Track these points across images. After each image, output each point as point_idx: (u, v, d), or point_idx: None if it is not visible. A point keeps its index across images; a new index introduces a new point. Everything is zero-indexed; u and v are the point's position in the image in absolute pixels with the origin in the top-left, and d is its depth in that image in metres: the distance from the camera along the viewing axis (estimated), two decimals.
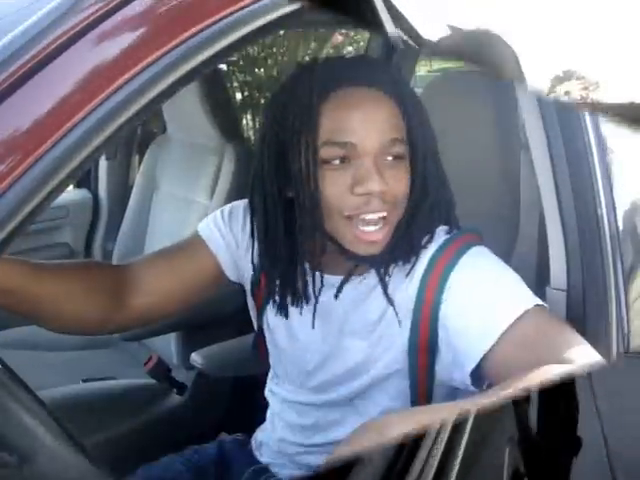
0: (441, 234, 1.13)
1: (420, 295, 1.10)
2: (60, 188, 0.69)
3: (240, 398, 1.46)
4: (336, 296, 1.16)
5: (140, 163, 2.68)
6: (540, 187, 1.22)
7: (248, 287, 1.29)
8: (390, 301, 1.12)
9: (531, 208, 1.33)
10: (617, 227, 1.16)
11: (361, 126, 1.05)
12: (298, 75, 1.10)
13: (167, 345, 2.16)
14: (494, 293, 1.05)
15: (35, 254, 2.63)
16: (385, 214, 1.06)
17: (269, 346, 1.30)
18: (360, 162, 1.04)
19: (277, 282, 1.18)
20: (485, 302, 1.04)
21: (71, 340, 2.41)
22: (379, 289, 1.12)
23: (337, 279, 1.16)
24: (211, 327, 1.99)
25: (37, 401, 0.82)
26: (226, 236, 1.26)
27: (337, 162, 1.05)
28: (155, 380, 2.00)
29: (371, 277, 1.14)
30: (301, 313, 1.20)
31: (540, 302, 1.04)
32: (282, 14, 0.82)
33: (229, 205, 1.30)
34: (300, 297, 1.17)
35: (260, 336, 1.32)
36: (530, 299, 1.04)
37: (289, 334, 1.24)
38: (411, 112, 1.08)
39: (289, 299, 1.18)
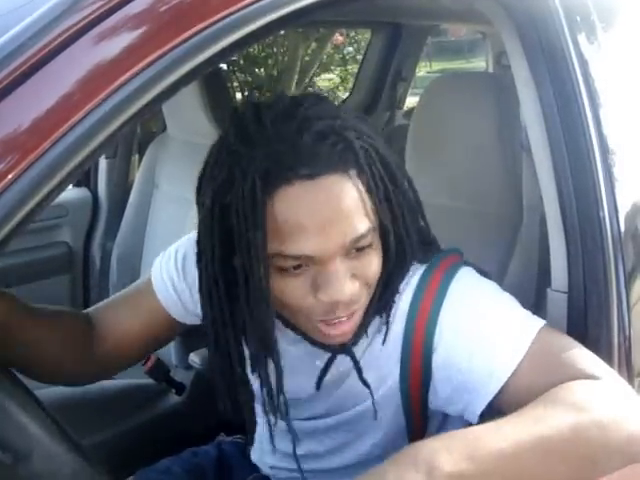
0: (417, 268, 1.03)
1: (406, 348, 1.00)
2: (60, 187, 0.68)
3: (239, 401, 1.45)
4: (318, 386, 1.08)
5: (140, 162, 2.68)
6: (542, 188, 1.21)
7: None
8: (366, 385, 1.03)
9: (533, 209, 1.32)
10: (619, 229, 1.16)
11: (316, 235, 0.86)
12: (236, 156, 0.90)
13: (166, 345, 2.16)
14: (492, 330, 0.97)
15: (34, 253, 2.63)
16: (355, 307, 0.94)
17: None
18: (321, 268, 0.89)
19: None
20: (485, 344, 0.95)
21: None
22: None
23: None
24: None
25: (32, 399, 0.81)
26: (178, 287, 1.15)
27: (293, 269, 0.89)
28: (154, 380, 1.99)
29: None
30: None
31: (541, 321, 1.00)
32: (283, 14, 0.82)
33: (183, 248, 1.17)
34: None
35: None
36: (530, 325, 0.98)
37: None
38: (382, 181, 0.92)
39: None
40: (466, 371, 0.96)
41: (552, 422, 0.83)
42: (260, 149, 0.86)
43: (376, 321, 1.02)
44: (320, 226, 0.86)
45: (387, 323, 1.00)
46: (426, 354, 0.99)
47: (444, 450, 0.78)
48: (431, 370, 0.99)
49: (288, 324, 1.04)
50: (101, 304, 1.23)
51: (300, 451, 1.17)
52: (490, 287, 1.04)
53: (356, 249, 0.90)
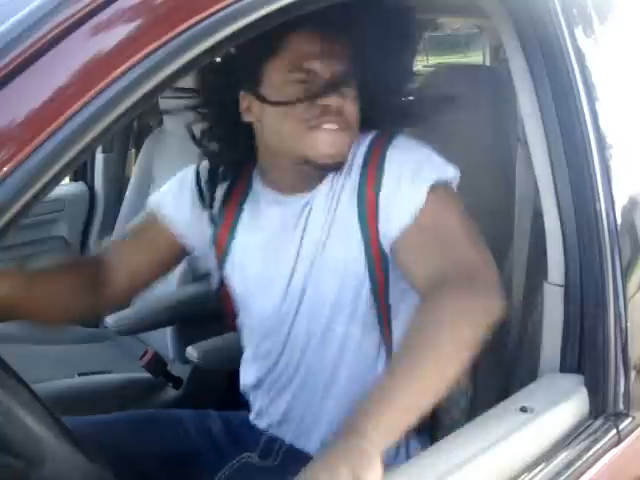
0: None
1: (362, 178, 1.21)
2: (56, 180, 0.68)
3: (236, 392, 1.46)
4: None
5: (137, 156, 2.68)
6: (538, 182, 1.21)
7: (208, 239, 1.37)
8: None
9: (525, 203, 1.33)
10: (615, 222, 1.16)
11: (319, 54, 1.19)
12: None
13: (163, 339, 2.16)
14: (417, 169, 1.19)
15: (31, 247, 2.63)
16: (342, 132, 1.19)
17: (235, 291, 1.37)
18: (320, 82, 1.18)
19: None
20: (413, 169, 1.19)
21: (67, 334, 2.41)
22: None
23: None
24: (207, 321, 1.98)
25: (44, 407, 0.82)
26: (178, 206, 1.37)
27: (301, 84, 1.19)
28: (151, 374, 1.99)
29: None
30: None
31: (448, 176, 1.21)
32: (278, 6, 0.82)
33: (177, 175, 1.44)
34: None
35: (223, 288, 1.40)
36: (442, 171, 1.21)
37: (252, 262, 1.32)
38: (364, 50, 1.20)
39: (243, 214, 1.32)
40: (395, 194, 1.18)
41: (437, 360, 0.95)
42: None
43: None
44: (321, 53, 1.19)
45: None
46: (376, 192, 1.19)
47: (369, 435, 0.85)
48: (379, 202, 1.19)
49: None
50: (107, 246, 1.47)
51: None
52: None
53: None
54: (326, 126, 1.17)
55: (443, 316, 0.99)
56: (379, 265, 1.22)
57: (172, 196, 1.40)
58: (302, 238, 1.26)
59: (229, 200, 1.34)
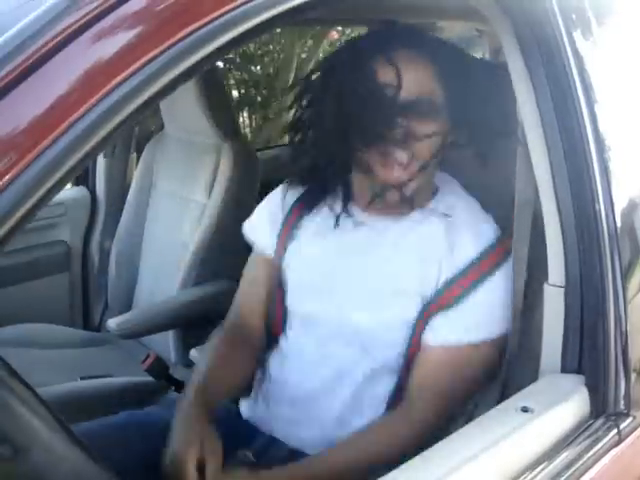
0: (486, 224, 1.36)
1: (458, 276, 1.31)
2: (58, 186, 0.69)
3: (239, 395, 1.46)
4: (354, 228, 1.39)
5: (138, 161, 2.68)
6: (538, 183, 1.22)
7: (278, 230, 1.46)
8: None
9: (525, 204, 1.33)
10: (615, 223, 1.17)
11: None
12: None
13: (165, 342, 2.16)
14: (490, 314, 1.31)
15: (33, 251, 2.63)
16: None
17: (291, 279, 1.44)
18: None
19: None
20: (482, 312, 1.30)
21: (69, 338, 2.41)
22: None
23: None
24: (209, 324, 1.99)
25: (32, 393, 0.82)
26: (268, 231, 1.47)
27: None
28: (153, 377, 1.99)
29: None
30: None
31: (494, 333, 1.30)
32: (279, 12, 0.82)
33: (263, 204, 1.52)
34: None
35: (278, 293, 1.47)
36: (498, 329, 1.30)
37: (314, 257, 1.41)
38: (446, 69, 1.27)
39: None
40: (462, 314, 1.31)
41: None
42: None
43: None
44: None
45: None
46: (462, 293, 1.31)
47: None
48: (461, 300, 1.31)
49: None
50: (234, 312, 1.52)
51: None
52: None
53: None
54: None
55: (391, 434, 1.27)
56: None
57: (262, 226, 1.49)
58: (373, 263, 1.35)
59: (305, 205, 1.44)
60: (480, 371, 1.30)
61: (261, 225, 1.49)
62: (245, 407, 1.49)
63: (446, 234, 1.33)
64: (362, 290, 1.34)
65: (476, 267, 1.30)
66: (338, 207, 1.38)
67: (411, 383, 1.31)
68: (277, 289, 1.45)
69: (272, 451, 1.38)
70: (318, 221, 1.41)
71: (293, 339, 1.43)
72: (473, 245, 1.32)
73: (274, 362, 1.45)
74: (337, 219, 1.36)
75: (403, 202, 1.30)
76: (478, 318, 1.29)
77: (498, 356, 1.30)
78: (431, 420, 1.27)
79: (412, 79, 1.25)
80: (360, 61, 1.26)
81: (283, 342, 1.44)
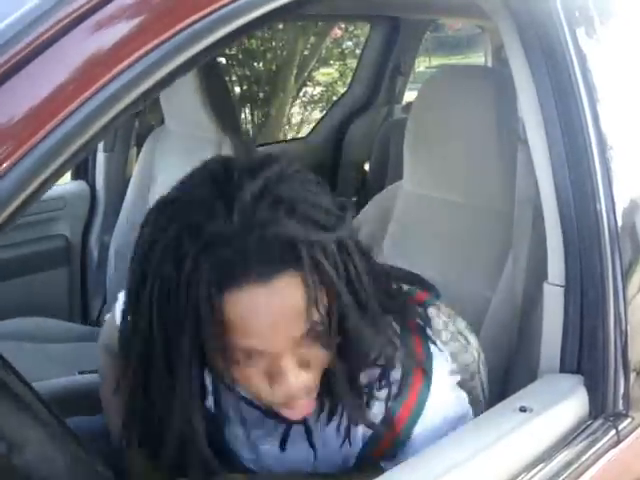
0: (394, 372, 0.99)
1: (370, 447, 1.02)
2: (55, 177, 0.68)
3: None
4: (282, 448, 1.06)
5: (138, 155, 2.68)
6: (539, 182, 1.21)
7: None
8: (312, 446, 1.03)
9: (526, 203, 1.33)
10: (616, 223, 1.16)
11: (266, 331, 0.84)
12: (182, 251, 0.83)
13: None
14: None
15: (32, 245, 2.63)
16: (313, 394, 0.94)
17: None
18: (271, 361, 0.87)
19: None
20: None
21: (67, 332, 2.41)
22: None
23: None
24: None
25: (28, 389, 0.81)
26: None
27: (246, 360, 0.87)
28: None
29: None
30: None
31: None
32: (279, 4, 0.82)
33: None
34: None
35: None
36: None
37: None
38: (322, 277, 0.85)
39: None
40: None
41: None
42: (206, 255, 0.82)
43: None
44: (271, 324, 0.83)
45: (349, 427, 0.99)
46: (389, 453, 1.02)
47: None
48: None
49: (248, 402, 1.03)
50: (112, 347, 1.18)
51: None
52: (457, 409, 1.06)
53: (308, 343, 0.87)
54: (294, 405, 0.93)
55: None
56: None
57: None
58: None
59: None
60: None
61: None
62: None
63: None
64: None
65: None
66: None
67: None
68: None
69: None
70: None
71: None
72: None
73: None
74: None
75: None
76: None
77: None
78: None
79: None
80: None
81: None
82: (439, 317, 1.11)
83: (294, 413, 0.93)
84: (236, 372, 0.88)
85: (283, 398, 0.89)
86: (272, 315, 0.83)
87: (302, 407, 0.93)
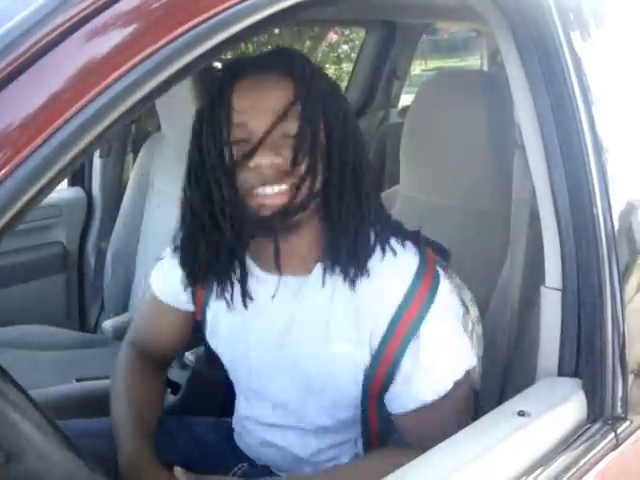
0: (403, 253, 1.17)
1: (395, 322, 1.14)
2: (51, 185, 0.68)
3: (235, 397, 1.45)
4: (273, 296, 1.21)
5: (134, 161, 2.67)
6: (535, 186, 1.21)
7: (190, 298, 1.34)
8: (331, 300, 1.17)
9: (522, 206, 1.33)
10: (612, 226, 1.16)
11: (252, 102, 1.11)
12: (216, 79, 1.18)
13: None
14: (444, 354, 1.16)
15: (29, 253, 2.62)
16: (286, 187, 1.10)
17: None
18: (253, 137, 1.09)
19: (214, 280, 1.23)
20: (436, 363, 1.15)
21: (64, 339, 2.41)
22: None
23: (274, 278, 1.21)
24: None
25: (25, 397, 0.81)
26: (179, 285, 1.30)
27: (240, 144, 1.10)
28: None
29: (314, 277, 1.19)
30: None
31: (467, 363, 1.18)
32: (277, 10, 0.82)
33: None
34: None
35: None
36: (462, 365, 1.17)
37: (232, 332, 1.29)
38: (306, 88, 1.11)
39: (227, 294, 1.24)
40: (411, 377, 1.15)
41: None
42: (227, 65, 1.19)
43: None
44: (254, 101, 1.11)
45: (355, 275, 1.14)
46: (404, 342, 1.14)
47: None
48: (403, 355, 1.14)
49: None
50: (137, 341, 1.45)
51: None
52: (457, 310, 1.20)
53: (283, 134, 1.10)
54: (259, 190, 1.10)
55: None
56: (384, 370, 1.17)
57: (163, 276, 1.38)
58: (291, 326, 1.21)
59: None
60: (462, 405, 1.18)
61: (173, 286, 1.33)
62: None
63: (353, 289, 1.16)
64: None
65: (405, 315, 1.14)
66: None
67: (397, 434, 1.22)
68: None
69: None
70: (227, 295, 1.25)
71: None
72: (394, 288, 1.15)
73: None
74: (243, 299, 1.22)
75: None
76: (427, 376, 1.15)
77: (469, 387, 1.20)
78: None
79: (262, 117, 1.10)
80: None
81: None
82: (445, 278, 1.19)
83: (269, 199, 1.09)
84: (238, 172, 1.10)
85: (255, 175, 1.09)
86: (257, 96, 1.11)
87: (274, 199, 1.09)
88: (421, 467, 0.98)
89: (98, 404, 1.95)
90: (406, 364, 1.14)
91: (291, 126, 1.10)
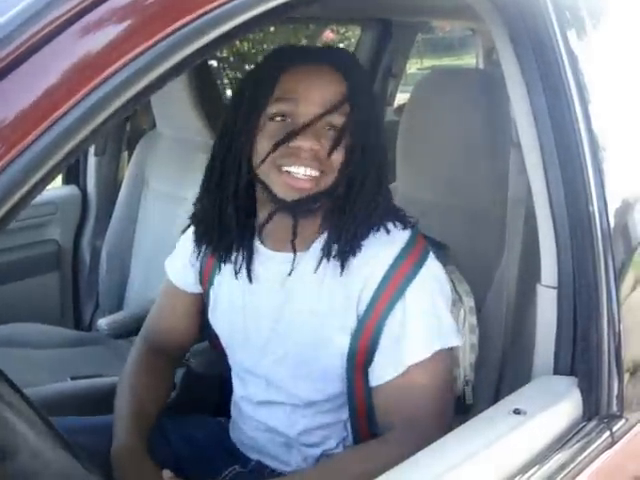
0: (397, 231, 1.23)
1: (381, 287, 1.19)
2: (45, 181, 0.68)
3: (229, 396, 1.45)
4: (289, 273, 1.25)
5: (129, 159, 2.67)
6: (531, 184, 1.21)
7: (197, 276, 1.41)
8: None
9: (518, 205, 1.33)
10: (608, 224, 1.16)
11: (305, 88, 1.17)
12: (268, 56, 1.27)
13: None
14: (427, 323, 1.19)
15: (23, 251, 2.62)
16: (316, 174, 1.15)
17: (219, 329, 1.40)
18: (299, 119, 1.16)
19: (221, 253, 1.29)
20: (416, 330, 1.19)
21: (59, 338, 2.40)
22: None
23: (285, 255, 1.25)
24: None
25: (19, 396, 0.81)
26: (188, 265, 1.41)
27: (279, 118, 1.17)
28: None
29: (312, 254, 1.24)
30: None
31: (448, 341, 1.21)
32: (272, 6, 0.82)
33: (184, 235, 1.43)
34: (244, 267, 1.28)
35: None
36: (442, 340, 1.20)
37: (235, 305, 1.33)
38: (355, 86, 1.18)
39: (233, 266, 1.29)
40: (396, 339, 1.19)
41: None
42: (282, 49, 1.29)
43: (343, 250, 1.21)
44: (309, 84, 1.17)
45: (346, 252, 1.20)
46: (386, 310, 1.19)
47: None
48: (384, 324, 1.19)
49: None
50: (150, 334, 1.50)
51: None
52: (444, 287, 1.25)
53: (328, 125, 1.16)
54: (291, 169, 1.15)
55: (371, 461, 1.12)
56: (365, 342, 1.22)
57: (184, 268, 1.43)
58: (287, 300, 1.26)
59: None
60: (441, 383, 1.21)
61: (183, 267, 1.43)
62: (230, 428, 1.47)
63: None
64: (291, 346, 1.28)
65: (389, 283, 1.19)
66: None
67: (377, 420, 1.24)
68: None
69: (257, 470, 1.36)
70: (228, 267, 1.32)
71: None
72: (383, 255, 1.21)
73: (235, 382, 1.43)
74: (248, 273, 1.28)
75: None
76: (409, 341, 1.19)
77: (450, 370, 1.24)
78: (411, 443, 1.09)
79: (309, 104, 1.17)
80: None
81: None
82: (435, 259, 1.24)
83: (296, 182, 1.15)
84: (267, 130, 1.17)
85: (293, 153, 1.14)
86: (311, 80, 1.18)
87: (303, 183, 1.15)
88: (416, 465, 0.98)
89: (93, 402, 1.96)
90: (390, 327, 1.19)
91: (337, 119, 1.16)
